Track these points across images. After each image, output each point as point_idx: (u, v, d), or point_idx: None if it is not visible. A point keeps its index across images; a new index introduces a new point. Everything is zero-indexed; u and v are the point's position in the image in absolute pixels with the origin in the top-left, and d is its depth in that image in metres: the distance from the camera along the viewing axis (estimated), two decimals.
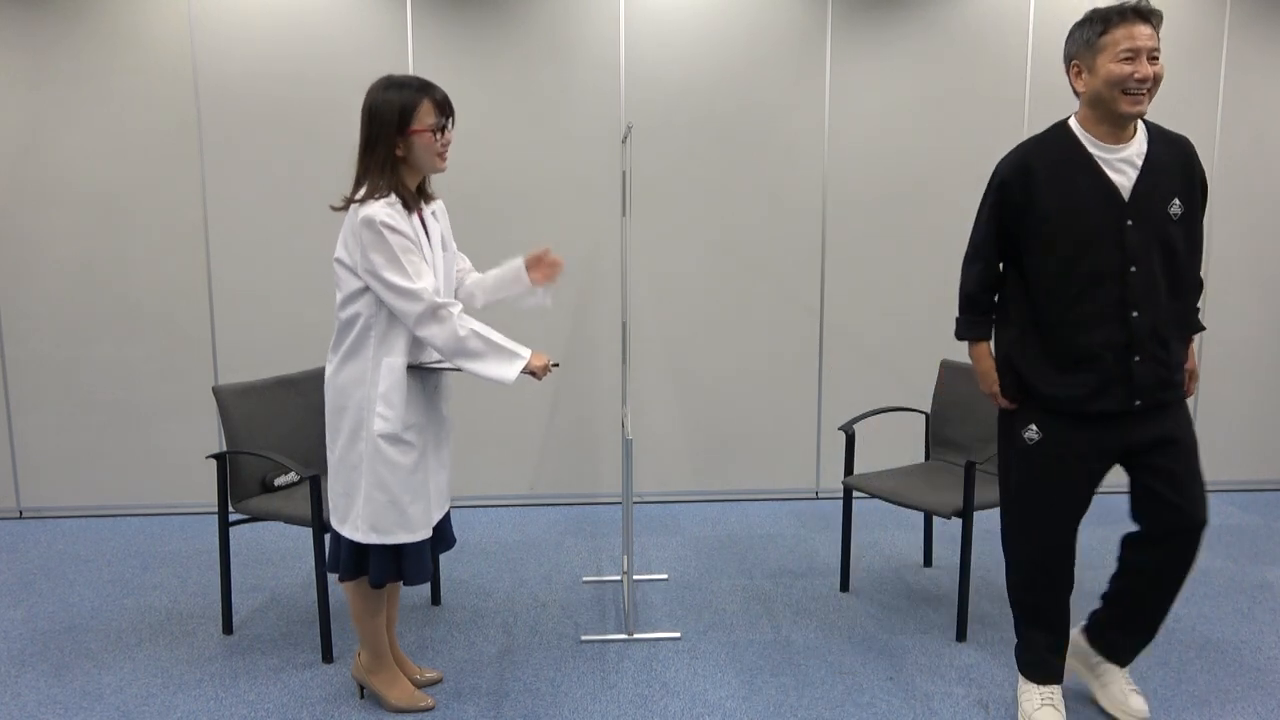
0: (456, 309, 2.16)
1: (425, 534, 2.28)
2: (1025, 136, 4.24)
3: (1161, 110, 4.25)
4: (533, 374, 2.21)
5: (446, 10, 3.99)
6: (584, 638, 2.85)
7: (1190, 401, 4.40)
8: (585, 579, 3.35)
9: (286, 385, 3.04)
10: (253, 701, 2.48)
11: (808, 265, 4.25)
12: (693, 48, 4.08)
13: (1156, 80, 2.08)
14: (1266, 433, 4.52)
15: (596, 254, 4.16)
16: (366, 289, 2.16)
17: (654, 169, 4.14)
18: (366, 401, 2.19)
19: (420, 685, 2.54)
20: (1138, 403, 2.18)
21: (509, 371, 2.17)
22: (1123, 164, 2.15)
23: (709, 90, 4.11)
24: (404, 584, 2.34)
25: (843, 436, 3.62)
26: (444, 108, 2.19)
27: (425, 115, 2.15)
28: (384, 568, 2.26)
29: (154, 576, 3.41)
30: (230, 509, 2.83)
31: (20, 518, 4.15)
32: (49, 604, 3.16)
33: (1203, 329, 2.35)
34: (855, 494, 4.44)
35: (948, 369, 3.30)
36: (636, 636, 2.85)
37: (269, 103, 3.99)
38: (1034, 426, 2.27)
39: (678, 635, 2.87)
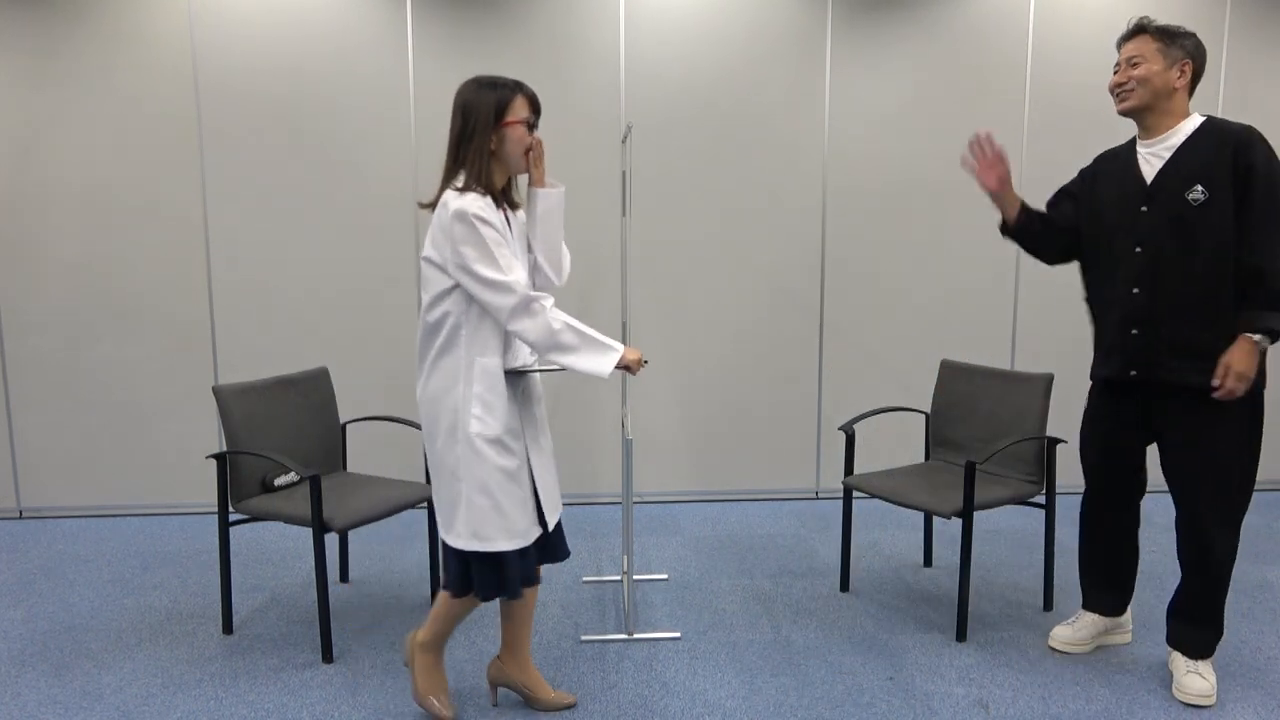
0: (549, 302, 2.10)
1: (527, 541, 2.18)
2: (1025, 136, 4.25)
3: None
4: (627, 368, 2.16)
5: (446, 10, 3.99)
6: (584, 638, 2.85)
7: None
8: (585, 579, 3.35)
9: (286, 385, 3.04)
10: (253, 701, 2.48)
11: (808, 265, 4.25)
12: (693, 48, 4.08)
13: (1139, 81, 2.38)
14: (1266, 433, 4.52)
15: (597, 254, 4.16)
16: (455, 287, 2.10)
17: (654, 169, 4.14)
18: (462, 402, 2.13)
19: (550, 707, 2.41)
20: (1133, 373, 2.45)
21: (604, 365, 2.12)
22: (1153, 155, 2.42)
23: (709, 90, 4.11)
24: (507, 597, 2.22)
25: (843, 436, 3.62)
26: (535, 105, 2.20)
27: (519, 109, 2.16)
28: (487, 579, 2.18)
29: (154, 576, 3.41)
30: (230, 509, 2.83)
31: (20, 518, 4.15)
32: (49, 604, 3.16)
33: (1262, 329, 2.24)
34: (855, 494, 4.44)
35: (948, 369, 3.30)
36: (636, 636, 2.85)
37: (269, 102, 3.99)
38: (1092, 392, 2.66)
39: (678, 635, 2.87)
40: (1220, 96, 4.27)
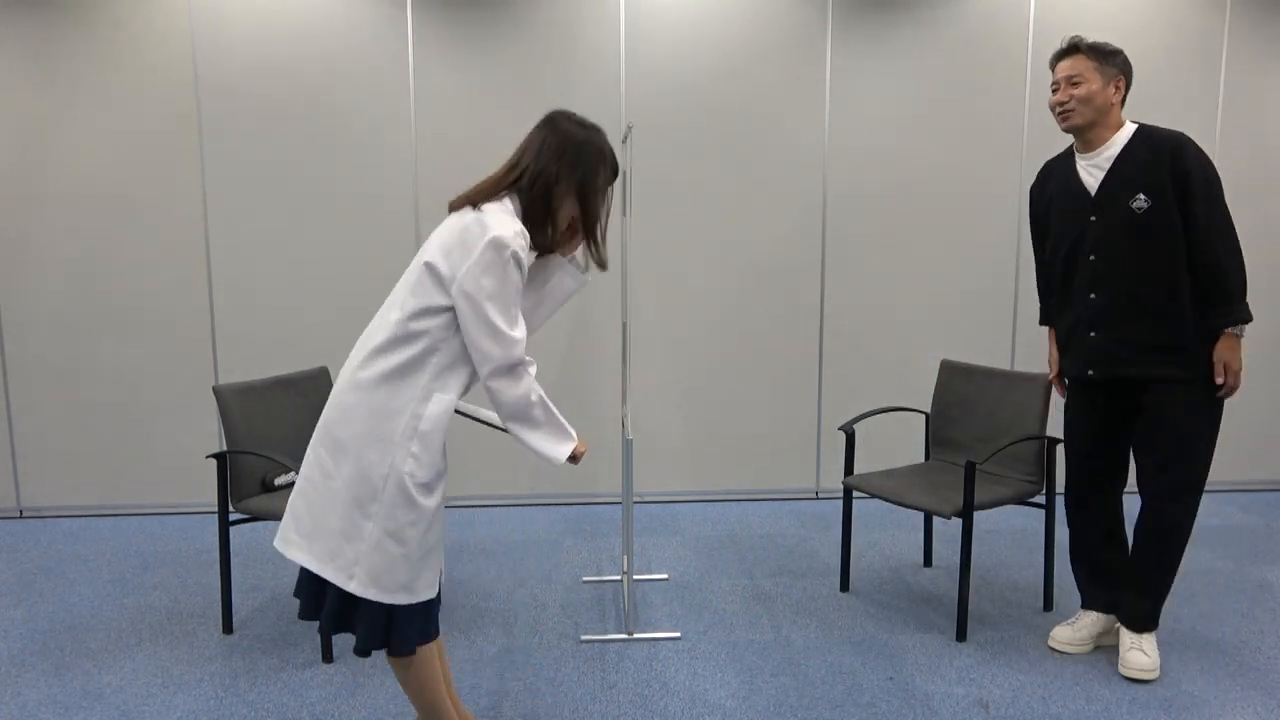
0: (533, 369, 1.91)
1: (429, 595, 1.94)
2: (1025, 137, 4.25)
3: (1162, 110, 4.25)
4: (574, 458, 1.96)
5: (446, 10, 3.99)
6: (584, 638, 2.85)
7: None
8: (585, 579, 3.35)
9: (286, 385, 3.04)
10: (253, 701, 2.48)
11: (808, 265, 4.25)
12: (693, 48, 4.08)
13: (1081, 101, 2.51)
14: (1266, 433, 4.52)
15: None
16: (447, 310, 1.84)
17: (654, 169, 4.14)
18: (401, 435, 1.85)
19: None
20: (1090, 372, 2.60)
21: (561, 452, 1.93)
22: (1094, 168, 2.56)
23: (709, 90, 4.11)
24: (387, 652, 1.95)
25: (843, 436, 3.62)
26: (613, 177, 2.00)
27: (605, 185, 1.96)
28: (378, 632, 1.90)
29: (154, 576, 3.41)
30: (230, 509, 2.83)
31: (20, 518, 4.15)
32: (49, 604, 3.16)
33: (1237, 320, 2.43)
34: (855, 494, 4.44)
35: (948, 369, 3.30)
36: (636, 636, 2.85)
37: (269, 102, 3.99)
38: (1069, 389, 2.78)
39: (678, 635, 2.87)
40: (1220, 97, 4.27)
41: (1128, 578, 2.63)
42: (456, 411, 2.01)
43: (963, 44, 4.16)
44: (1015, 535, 3.83)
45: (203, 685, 2.57)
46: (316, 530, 1.89)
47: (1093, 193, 2.55)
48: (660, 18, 4.06)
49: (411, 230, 4.10)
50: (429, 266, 1.85)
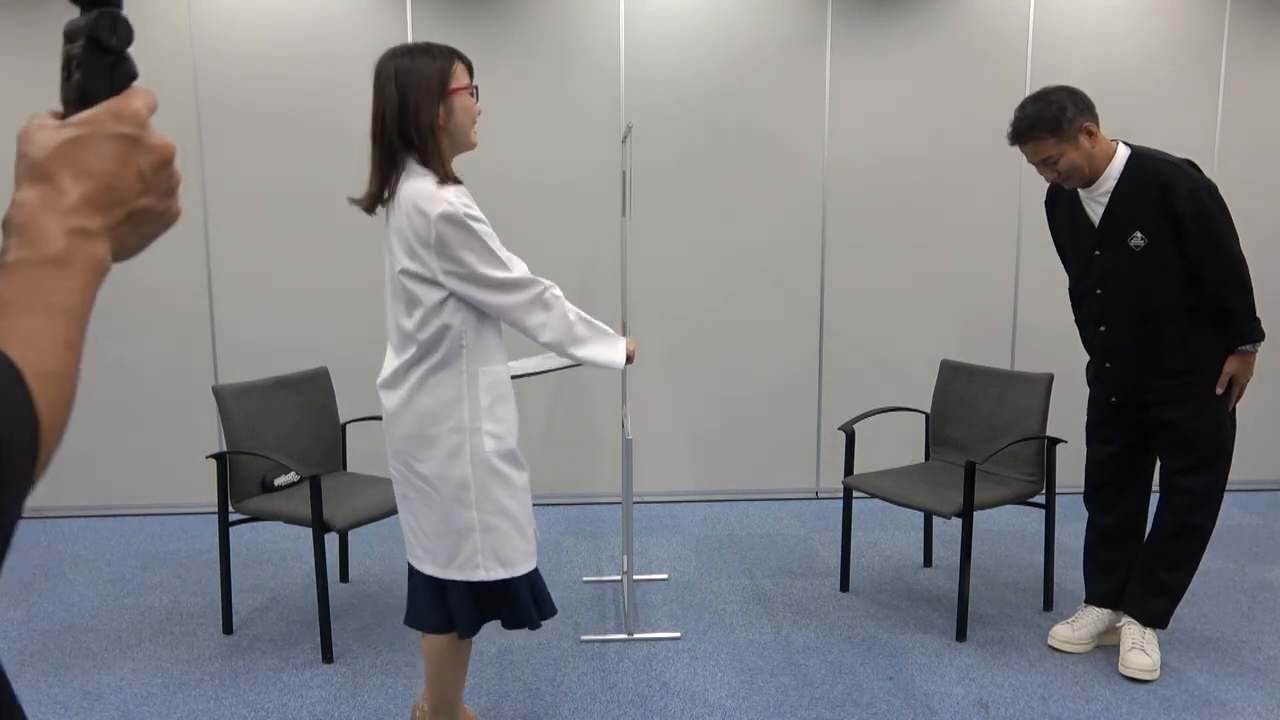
0: (558, 290, 1.93)
1: (534, 562, 2.02)
2: None
3: (1162, 111, 4.25)
4: (628, 359, 2.02)
5: (446, 10, 3.99)
6: (584, 638, 2.85)
7: None
8: (585, 579, 3.35)
9: (286, 385, 3.04)
10: (253, 701, 2.48)
11: (808, 265, 4.25)
12: (693, 48, 4.08)
13: (1068, 173, 2.42)
14: (1266, 433, 4.52)
15: (596, 254, 4.16)
16: (448, 297, 1.85)
17: (654, 169, 4.14)
18: (469, 420, 1.89)
19: None
20: (1113, 399, 2.63)
21: (617, 355, 1.98)
22: (1093, 201, 2.51)
23: (709, 91, 4.11)
24: (532, 627, 2.02)
25: (843, 436, 3.62)
26: (471, 71, 1.95)
27: (462, 75, 1.90)
28: (527, 605, 1.99)
29: (154, 576, 3.41)
30: (230, 509, 2.83)
31: (20, 518, 4.15)
32: (49, 604, 3.16)
33: (1241, 342, 2.45)
34: (855, 494, 4.44)
35: (948, 369, 3.30)
36: (636, 636, 2.85)
37: (269, 103, 3.99)
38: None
39: (678, 635, 2.87)
40: (1220, 100, 4.27)
41: (1145, 576, 2.61)
42: (513, 377, 2.05)
43: (962, 45, 4.16)
44: (1015, 535, 3.83)
45: (203, 685, 2.57)
46: (431, 540, 1.95)
47: (1095, 226, 2.51)
48: (660, 18, 4.06)
49: None
50: (406, 274, 1.85)
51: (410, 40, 3.97)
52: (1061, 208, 2.64)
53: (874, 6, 4.12)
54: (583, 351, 1.95)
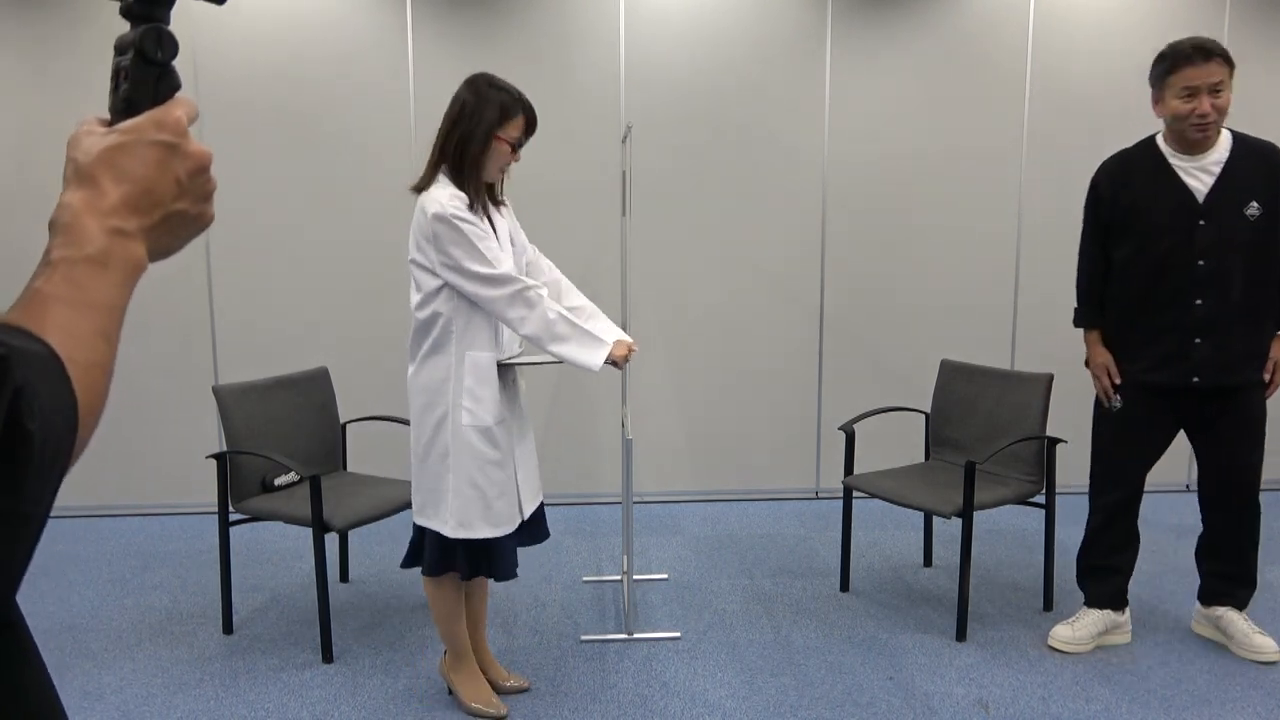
0: (544, 290, 2.17)
1: (509, 529, 2.28)
2: (1024, 137, 4.25)
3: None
4: (614, 363, 2.19)
5: (446, 10, 3.99)
6: (584, 638, 2.85)
7: None
8: (585, 579, 3.35)
9: (286, 385, 3.04)
10: (253, 701, 2.48)
11: (808, 265, 4.25)
12: (693, 48, 4.08)
13: (1220, 111, 2.41)
14: (1268, 434, 4.51)
15: (596, 254, 4.16)
16: (443, 286, 2.16)
17: (654, 169, 4.14)
18: (453, 395, 2.19)
19: (503, 691, 2.50)
20: (1195, 379, 2.54)
21: (595, 358, 2.17)
22: (1200, 171, 2.50)
23: (709, 90, 4.11)
24: (493, 580, 2.36)
25: (843, 436, 3.62)
26: (531, 127, 2.22)
27: (514, 128, 2.18)
28: (474, 563, 2.28)
29: (154, 576, 3.41)
30: (230, 509, 2.83)
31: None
32: (49, 604, 3.16)
33: None
34: (855, 494, 4.44)
35: (948, 369, 3.30)
36: (636, 636, 2.85)
37: (269, 102, 3.99)
38: (1119, 397, 2.68)
39: (678, 635, 2.87)
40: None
41: (1237, 566, 2.69)
42: (500, 364, 2.25)
43: (962, 44, 4.16)
44: (1015, 535, 3.83)
45: (203, 685, 2.57)
46: (420, 492, 2.27)
47: (1200, 197, 2.48)
48: (660, 17, 4.06)
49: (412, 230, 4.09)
50: (413, 264, 2.20)
51: (410, 41, 3.98)
52: (1141, 180, 2.55)
53: (874, 6, 4.12)
54: (561, 349, 2.17)
